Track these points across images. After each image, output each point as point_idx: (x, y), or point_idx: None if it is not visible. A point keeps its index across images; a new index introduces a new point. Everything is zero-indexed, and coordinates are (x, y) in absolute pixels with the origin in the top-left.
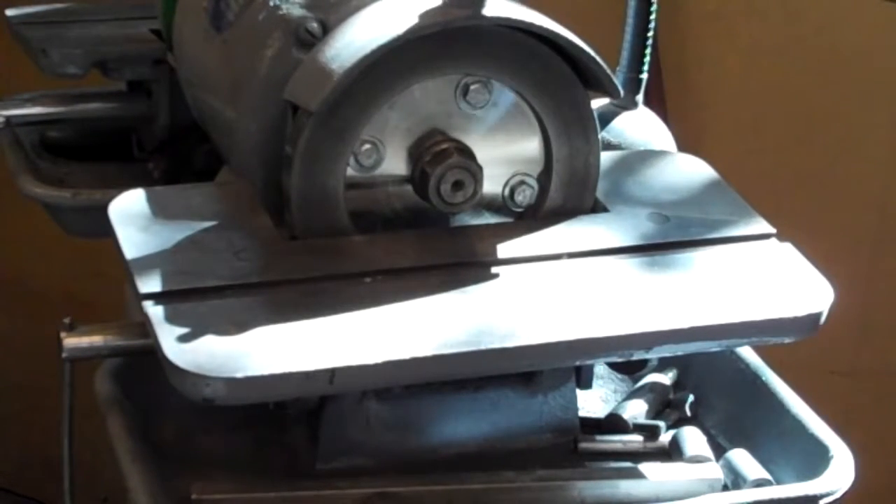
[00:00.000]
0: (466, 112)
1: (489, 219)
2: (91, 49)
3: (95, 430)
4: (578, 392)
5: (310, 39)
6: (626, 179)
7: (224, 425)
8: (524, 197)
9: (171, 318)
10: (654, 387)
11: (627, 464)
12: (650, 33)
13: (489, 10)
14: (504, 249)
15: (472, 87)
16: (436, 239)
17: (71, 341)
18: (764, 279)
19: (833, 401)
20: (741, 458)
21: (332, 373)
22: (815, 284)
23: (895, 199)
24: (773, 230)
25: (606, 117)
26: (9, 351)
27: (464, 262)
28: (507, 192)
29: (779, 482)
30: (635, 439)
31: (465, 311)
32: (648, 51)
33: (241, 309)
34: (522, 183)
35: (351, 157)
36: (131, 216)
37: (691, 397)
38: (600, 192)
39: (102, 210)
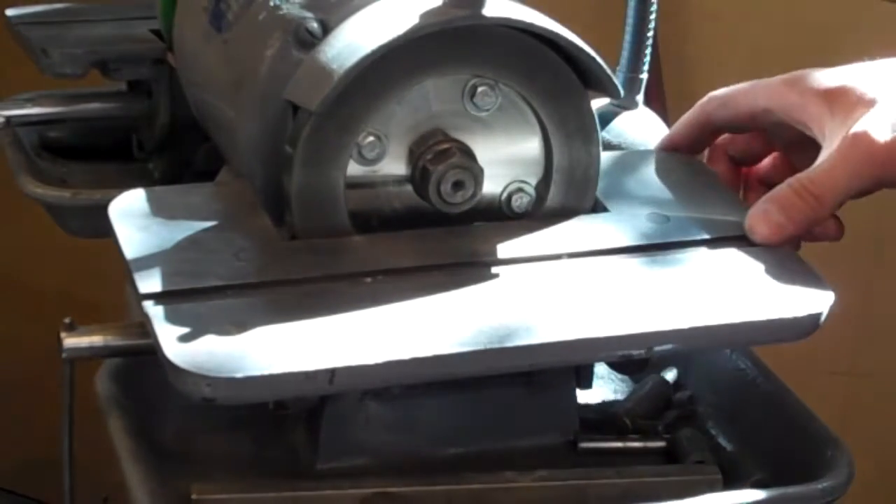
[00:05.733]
0: (471, 114)
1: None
2: (91, 49)
3: (95, 430)
4: (578, 392)
5: (310, 39)
6: (626, 179)
7: (224, 425)
8: (522, 201)
9: (171, 318)
10: (654, 387)
11: (627, 464)
12: (650, 33)
13: (489, 11)
14: (504, 249)
15: (479, 90)
16: (436, 239)
17: (71, 341)
18: (763, 279)
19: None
20: (738, 456)
21: (332, 373)
22: (815, 285)
23: (895, 200)
24: None
25: (606, 117)
26: (9, 351)
27: (464, 262)
28: (505, 195)
29: (779, 482)
30: (635, 439)
31: (464, 311)
32: (648, 51)
33: (241, 309)
34: (520, 189)
35: (354, 150)
36: (131, 216)
37: (691, 397)
38: (600, 192)
39: (102, 210)
